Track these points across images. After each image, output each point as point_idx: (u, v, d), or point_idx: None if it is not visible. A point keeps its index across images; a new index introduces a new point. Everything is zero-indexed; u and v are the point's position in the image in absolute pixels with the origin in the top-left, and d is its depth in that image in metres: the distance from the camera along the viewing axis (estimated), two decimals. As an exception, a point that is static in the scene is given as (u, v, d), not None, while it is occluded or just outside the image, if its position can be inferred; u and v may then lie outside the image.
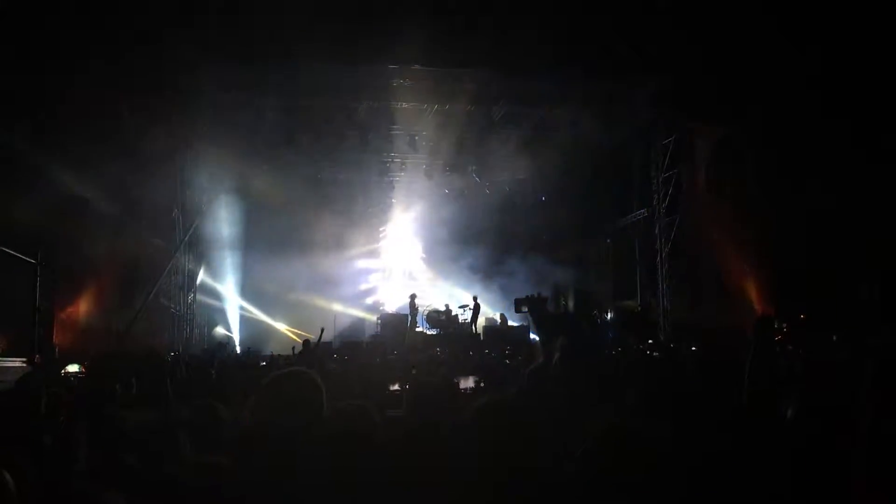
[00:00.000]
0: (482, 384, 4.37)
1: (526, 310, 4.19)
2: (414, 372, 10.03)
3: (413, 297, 23.50)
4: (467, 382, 4.44)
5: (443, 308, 23.94)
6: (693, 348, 13.62)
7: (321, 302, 24.63)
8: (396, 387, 5.73)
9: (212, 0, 13.57)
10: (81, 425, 3.95)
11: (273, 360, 12.63)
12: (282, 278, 23.84)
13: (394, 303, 25.80)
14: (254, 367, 11.51)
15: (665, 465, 2.30)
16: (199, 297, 23.01)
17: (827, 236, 14.76)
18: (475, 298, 23.76)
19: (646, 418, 2.99)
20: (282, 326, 24.56)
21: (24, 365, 12.22)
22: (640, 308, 22.15)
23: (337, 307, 24.85)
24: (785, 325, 14.29)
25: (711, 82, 16.48)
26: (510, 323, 22.95)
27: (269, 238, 22.83)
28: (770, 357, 3.18)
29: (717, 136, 17.73)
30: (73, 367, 10.17)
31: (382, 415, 3.41)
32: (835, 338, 8.98)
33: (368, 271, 27.14)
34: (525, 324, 21.73)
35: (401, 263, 27.42)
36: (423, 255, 27.45)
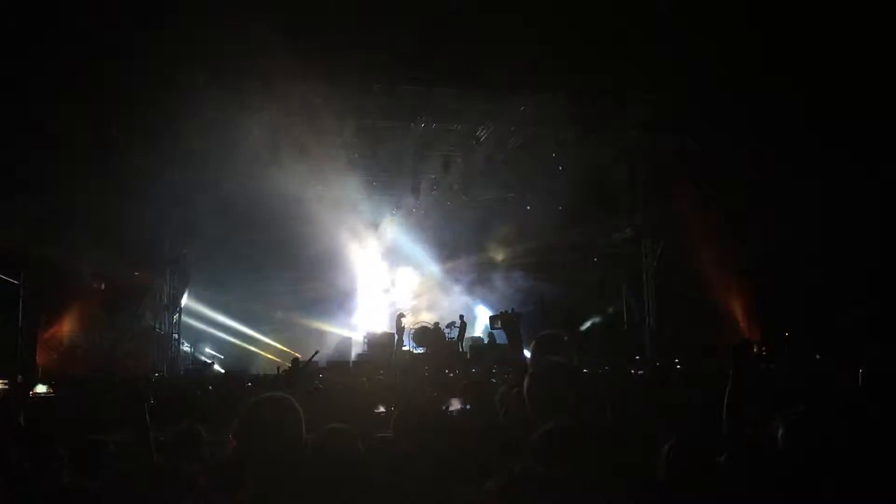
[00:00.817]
0: (468, 406, 4.35)
1: (499, 326, 4.19)
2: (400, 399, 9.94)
3: (400, 315, 23.45)
4: (454, 405, 4.42)
5: (430, 325, 23.91)
6: (678, 366, 13.68)
7: (306, 321, 24.52)
8: (382, 409, 5.70)
9: (196, 19, 13.54)
10: (62, 447, 3.91)
11: (258, 380, 12.53)
12: (267, 297, 23.74)
13: (380, 321, 25.68)
14: (238, 387, 11.40)
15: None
16: (184, 316, 22.86)
17: (816, 253, 14.78)
18: (461, 317, 23.81)
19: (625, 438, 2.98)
20: (267, 345, 24.40)
21: (6, 386, 12.09)
22: (626, 326, 22.16)
23: (323, 326, 24.74)
24: (764, 348, 14.32)
25: (698, 101, 16.57)
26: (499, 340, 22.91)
27: (253, 257, 22.73)
28: (748, 382, 3.19)
29: (705, 155, 17.77)
30: (41, 388, 9.99)
31: (368, 439, 3.39)
32: (818, 356, 9.02)
33: (354, 289, 26.99)
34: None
35: (387, 281, 27.31)
36: (410, 273, 27.38)
